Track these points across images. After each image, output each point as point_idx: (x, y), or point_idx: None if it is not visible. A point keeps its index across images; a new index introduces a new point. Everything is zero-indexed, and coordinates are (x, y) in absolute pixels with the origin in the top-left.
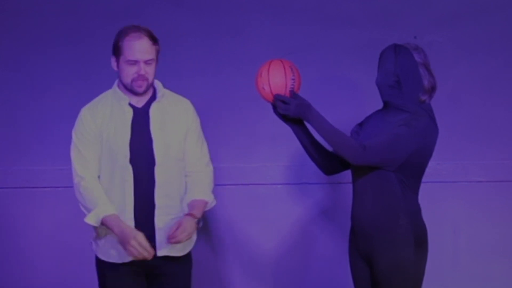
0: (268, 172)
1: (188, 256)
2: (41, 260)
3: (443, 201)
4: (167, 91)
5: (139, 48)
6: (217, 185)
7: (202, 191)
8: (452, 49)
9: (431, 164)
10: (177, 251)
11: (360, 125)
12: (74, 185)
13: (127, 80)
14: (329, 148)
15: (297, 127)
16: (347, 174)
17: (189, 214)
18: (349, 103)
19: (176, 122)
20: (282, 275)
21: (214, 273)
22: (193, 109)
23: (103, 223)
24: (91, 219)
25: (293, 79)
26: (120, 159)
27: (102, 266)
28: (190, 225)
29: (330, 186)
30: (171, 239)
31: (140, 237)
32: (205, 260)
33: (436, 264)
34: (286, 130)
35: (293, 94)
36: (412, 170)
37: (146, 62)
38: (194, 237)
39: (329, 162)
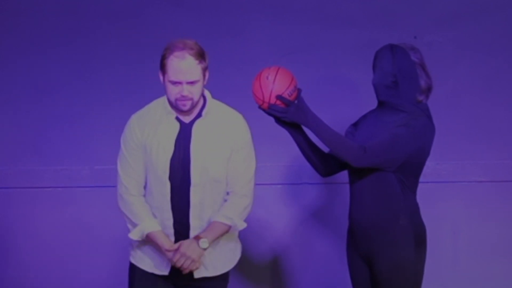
0: (268, 172)
1: (225, 275)
2: (41, 260)
3: (442, 201)
4: (216, 104)
5: (182, 69)
6: None
7: (226, 214)
8: (452, 49)
9: (430, 164)
10: (215, 270)
11: (355, 125)
12: (118, 195)
13: (171, 98)
14: (325, 149)
15: (294, 129)
16: (347, 175)
17: (195, 237)
18: (349, 103)
19: (221, 141)
20: (281, 275)
21: None
22: (244, 125)
23: (147, 238)
24: (136, 235)
25: (293, 89)
26: (160, 173)
27: (134, 272)
28: (189, 249)
29: (330, 186)
30: (176, 261)
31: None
32: None
33: (436, 264)
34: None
35: (289, 100)
36: (411, 169)
37: (190, 83)
38: (238, 255)
39: (326, 163)
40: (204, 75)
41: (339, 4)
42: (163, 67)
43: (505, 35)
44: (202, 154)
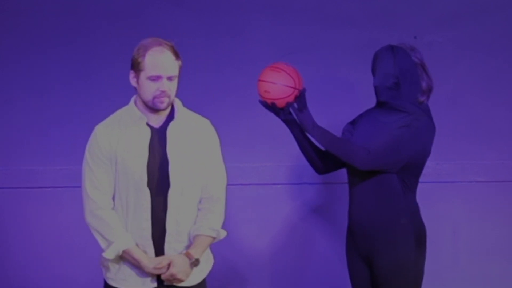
0: (268, 172)
1: (202, 285)
2: (41, 261)
3: (442, 201)
4: (186, 110)
5: (162, 62)
6: None
7: (210, 225)
8: (452, 49)
9: (430, 164)
10: (187, 281)
11: (352, 123)
12: (86, 212)
13: (149, 97)
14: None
15: (294, 125)
16: (346, 175)
17: (186, 253)
18: (349, 103)
19: (195, 144)
20: (282, 275)
21: (212, 273)
22: (213, 130)
23: (123, 254)
24: (112, 253)
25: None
26: (137, 181)
27: None
28: (184, 265)
29: (330, 186)
30: (164, 279)
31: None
32: None
33: (436, 264)
34: (286, 130)
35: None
36: (412, 170)
37: (169, 78)
38: (210, 265)
39: (324, 160)
40: (180, 74)
41: (339, 4)
42: (137, 66)
43: (505, 35)
44: (179, 156)
